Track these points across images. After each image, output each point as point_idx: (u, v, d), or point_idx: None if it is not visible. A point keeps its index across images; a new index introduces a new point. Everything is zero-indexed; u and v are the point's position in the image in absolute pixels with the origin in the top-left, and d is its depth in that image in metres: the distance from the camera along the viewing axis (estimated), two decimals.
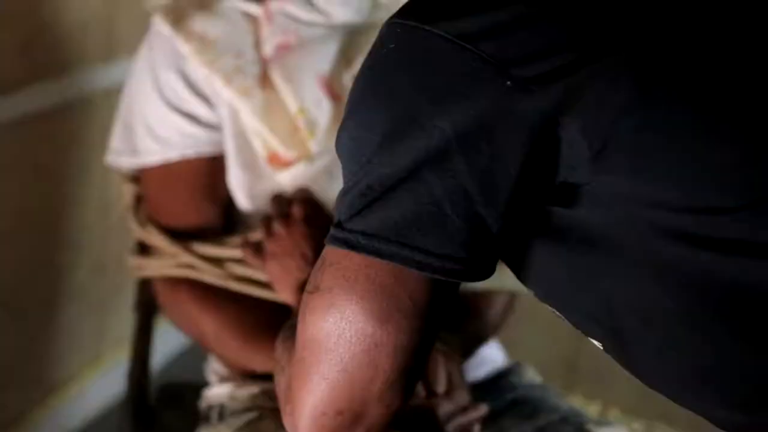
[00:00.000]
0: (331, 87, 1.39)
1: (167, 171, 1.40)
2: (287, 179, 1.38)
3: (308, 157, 1.37)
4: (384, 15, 1.42)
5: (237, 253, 1.36)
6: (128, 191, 1.47)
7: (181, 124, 1.38)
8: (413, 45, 0.80)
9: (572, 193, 0.79)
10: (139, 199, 1.47)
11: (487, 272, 0.81)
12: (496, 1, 0.80)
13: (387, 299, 0.80)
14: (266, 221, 1.32)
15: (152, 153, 1.40)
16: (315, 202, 1.30)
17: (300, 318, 0.84)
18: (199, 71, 1.38)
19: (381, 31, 0.83)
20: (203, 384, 1.53)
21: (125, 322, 1.72)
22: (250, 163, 1.40)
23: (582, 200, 0.79)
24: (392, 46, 0.81)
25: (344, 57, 1.41)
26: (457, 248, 0.78)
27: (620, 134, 0.76)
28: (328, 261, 0.82)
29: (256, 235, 1.35)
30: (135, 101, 1.42)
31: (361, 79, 0.84)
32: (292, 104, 1.36)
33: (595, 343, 0.87)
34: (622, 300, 0.80)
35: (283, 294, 1.26)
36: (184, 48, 1.37)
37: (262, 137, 1.37)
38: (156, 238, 1.40)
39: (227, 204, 1.42)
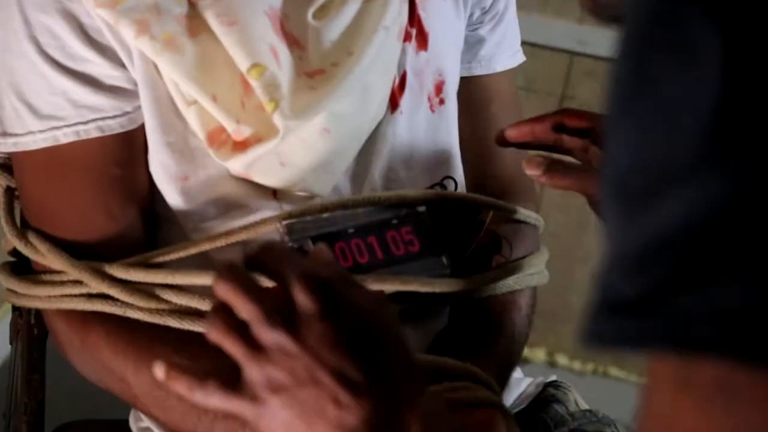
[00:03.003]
0: (286, 29, 0.98)
1: (57, 157, 0.96)
2: (240, 167, 0.97)
3: (270, 136, 0.96)
4: None
5: (174, 277, 0.95)
6: None
7: (74, 90, 0.95)
8: None
9: None
10: (12, 195, 1.04)
11: None
12: None
13: None
14: (224, 324, 0.64)
15: (32, 133, 0.96)
16: (329, 267, 0.67)
17: None
18: (96, 13, 0.94)
19: None
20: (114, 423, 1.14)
21: None
22: (180, 144, 0.98)
23: None
24: None
25: None
26: None
27: None
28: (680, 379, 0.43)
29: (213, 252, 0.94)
30: None
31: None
32: (241, 59, 0.95)
33: None
34: None
35: None
36: None
37: (199, 109, 0.96)
38: (50, 258, 0.97)
39: (149, 202, 1.00)
